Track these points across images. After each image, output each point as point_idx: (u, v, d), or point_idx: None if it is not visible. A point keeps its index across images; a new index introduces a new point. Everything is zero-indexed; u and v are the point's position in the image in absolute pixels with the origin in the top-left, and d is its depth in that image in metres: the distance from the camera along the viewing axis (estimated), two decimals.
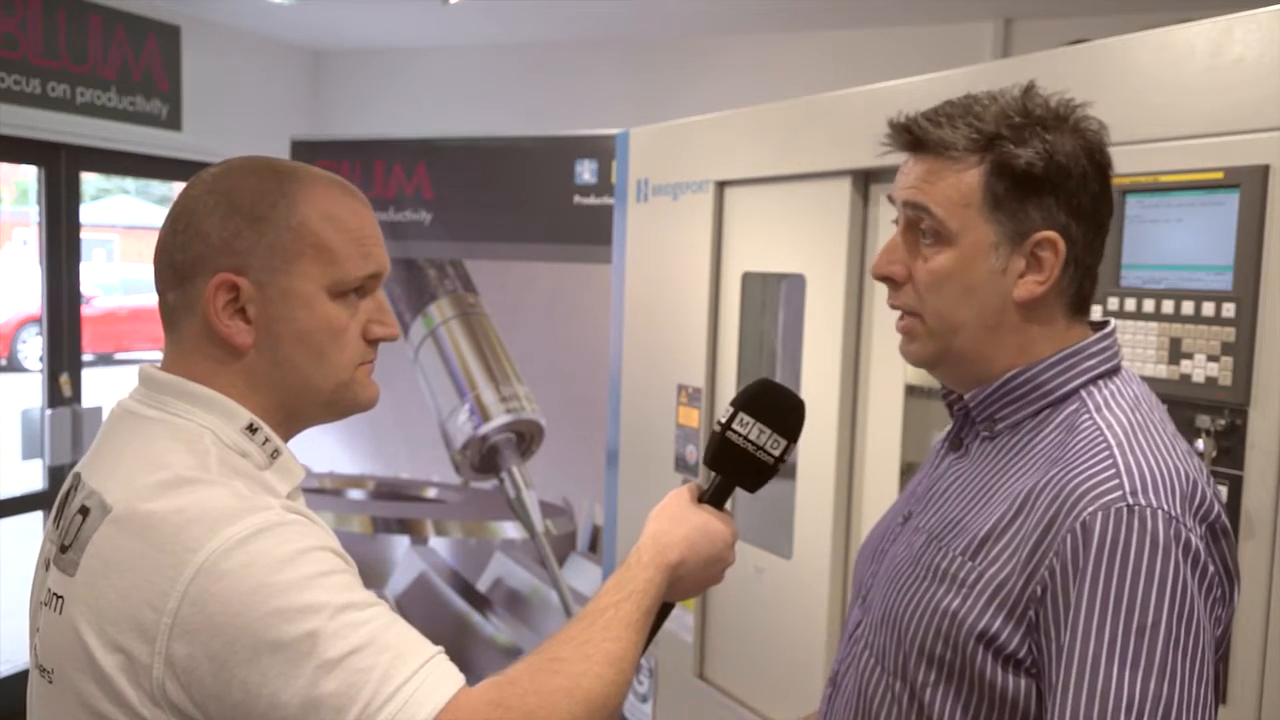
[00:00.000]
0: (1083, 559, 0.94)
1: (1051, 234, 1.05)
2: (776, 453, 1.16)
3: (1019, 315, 1.08)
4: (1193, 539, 0.95)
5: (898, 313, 1.15)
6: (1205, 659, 0.93)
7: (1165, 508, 0.95)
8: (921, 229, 1.10)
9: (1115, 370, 1.10)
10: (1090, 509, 0.96)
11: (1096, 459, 0.99)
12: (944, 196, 1.07)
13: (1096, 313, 1.60)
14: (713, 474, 1.20)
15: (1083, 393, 1.07)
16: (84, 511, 0.98)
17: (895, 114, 1.12)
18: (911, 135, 1.10)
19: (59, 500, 1.06)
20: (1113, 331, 1.11)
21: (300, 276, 1.04)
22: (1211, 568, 0.96)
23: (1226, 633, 1.03)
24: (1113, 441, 1.00)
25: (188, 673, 0.89)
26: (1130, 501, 0.95)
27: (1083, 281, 1.09)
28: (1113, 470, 0.97)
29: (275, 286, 1.03)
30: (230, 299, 1.03)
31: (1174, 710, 0.90)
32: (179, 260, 1.04)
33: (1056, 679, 0.94)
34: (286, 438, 1.09)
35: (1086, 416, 1.04)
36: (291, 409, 1.08)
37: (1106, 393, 1.06)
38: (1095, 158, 1.07)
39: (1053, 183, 1.05)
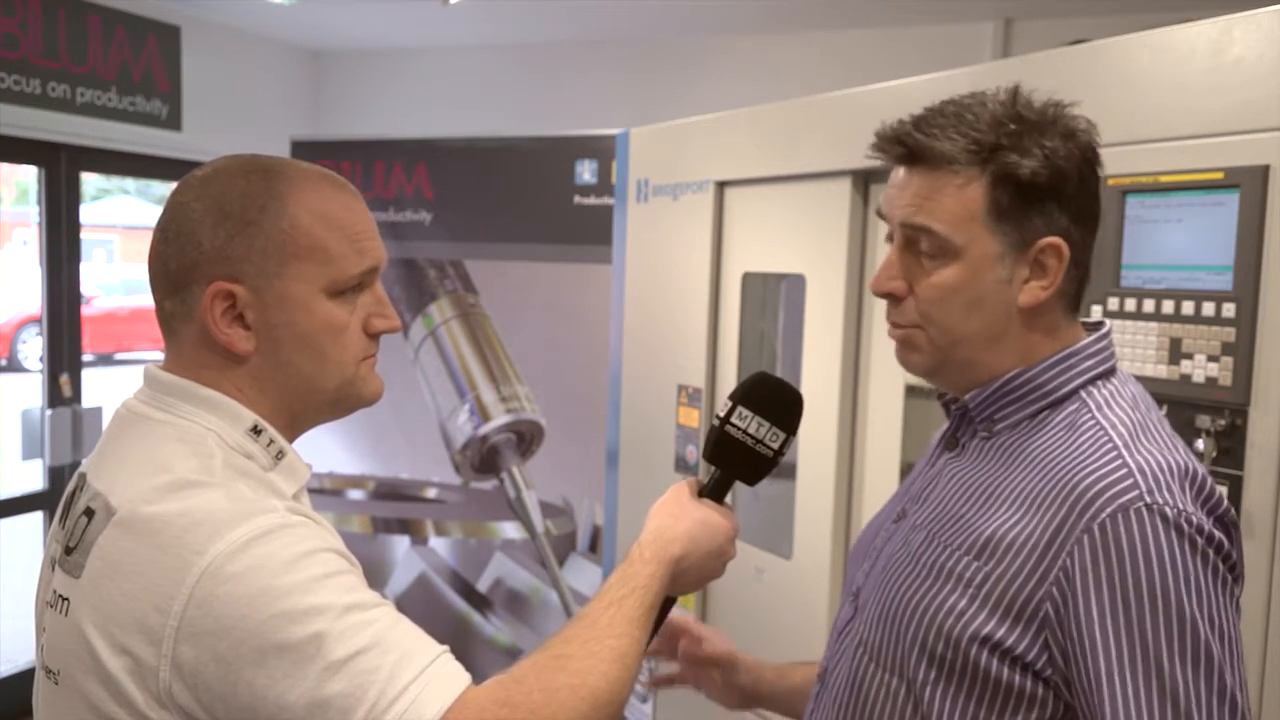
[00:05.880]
0: (1104, 561, 0.94)
1: (1056, 240, 1.05)
2: (775, 445, 1.16)
3: (1021, 322, 1.08)
4: (1216, 533, 0.96)
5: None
6: (1238, 651, 0.96)
7: (1183, 506, 0.96)
8: (921, 248, 1.08)
9: (1111, 371, 1.10)
10: (1109, 510, 0.95)
11: (1105, 459, 0.99)
12: (947, 212, 1.05)
13: (1096, 313, 1.60)
14: (712, 468, 1.20)
15: (1082, 393, 1.07)
16: (89, 513, 0.98)
17: (884, 124, 1.09)
18: (906, 148, 1.07)
19: (64, 500, 1.06)
20: (1109, 333, 1.11)
21: (296, 279, 1.03)
22: (1234, 557, 0.99)
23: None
24: (1118, 441, 1.00)
25: (194, 675, 0.89)
26: (1149, 500, 0.95)
27: (1081, 281, 1.10)
28: (1124, 470, 0.97)
29: (272, 291, 1.02)
30: (227, 307, 1.02)
31: (1228, 701, 0.92)
32: (173, 269, 1.03)
33: (1092, 683, 0.94)
34: (293, 438, 1.09)
35: (1088, 416, 1.04)
36: (297, 409, 1.08)
37: (1106, 393, 1.06)
38: (1089, 159, 1.07)
39: (1055, 189, 1.04)
